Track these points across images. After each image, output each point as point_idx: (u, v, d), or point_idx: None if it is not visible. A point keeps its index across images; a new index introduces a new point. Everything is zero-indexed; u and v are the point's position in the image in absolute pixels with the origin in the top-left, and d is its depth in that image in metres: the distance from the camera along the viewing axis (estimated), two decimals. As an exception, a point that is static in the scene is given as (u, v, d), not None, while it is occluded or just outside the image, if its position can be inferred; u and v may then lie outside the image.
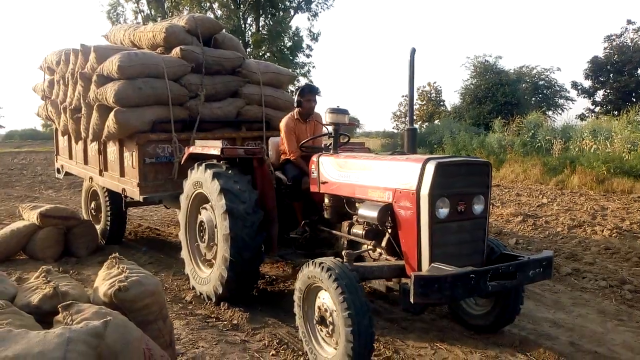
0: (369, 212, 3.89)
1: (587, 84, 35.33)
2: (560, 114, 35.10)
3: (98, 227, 7.52)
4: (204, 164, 5.06)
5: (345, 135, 5.18)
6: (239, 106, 6.81)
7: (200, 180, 5.02)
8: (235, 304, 4.77)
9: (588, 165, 14.21)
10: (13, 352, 2.05)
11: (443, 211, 3.53)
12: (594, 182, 13.13)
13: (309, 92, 5.50)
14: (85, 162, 7.60)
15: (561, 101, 36.34)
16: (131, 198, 6.51)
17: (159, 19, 36.48)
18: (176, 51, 6.38)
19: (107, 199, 7.37)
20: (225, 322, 4.49)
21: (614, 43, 34.17)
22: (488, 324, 4.22)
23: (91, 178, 7.51)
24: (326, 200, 4.62)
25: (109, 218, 7.40)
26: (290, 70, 7.77)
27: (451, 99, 57.25)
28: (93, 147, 7.22)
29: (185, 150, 5.64)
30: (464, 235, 3.68)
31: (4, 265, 6.28)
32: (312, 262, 3.60)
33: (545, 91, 36.25)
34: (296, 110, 5.55)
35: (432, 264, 3.38)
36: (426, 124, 36.51)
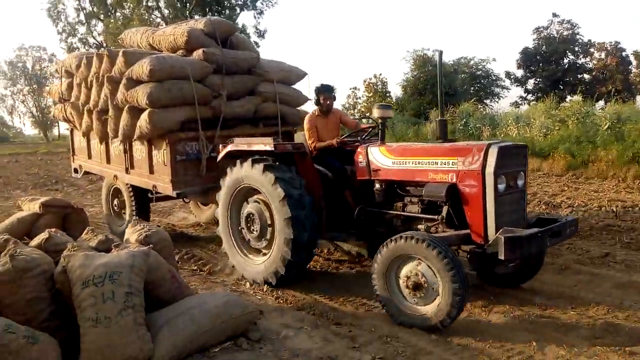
0: (435, 191, 4.50)
1: (519, 73, 37.86)
2: (497, 102, 37.69)
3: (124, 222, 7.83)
4: (250, 160, 5.33)
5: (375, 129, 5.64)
6: (256, 104, 7.14)
7: (248, 174, 5.35)
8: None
9: (507, 148, 16.19)
10: (104, 260, 3.62)
11: (502, 186, 4.27)
12: (511, 162, 15.13)
13: (325, 92, 5.92)
14: (108, 161, 7.86)
15: (497, 90, 38.73)
16: (159, 193, 7.00)
17: (102, 15, 36.16)
18: (198, 53, 6.62)
19: (131, 195, 7.59)
20: (205, 272, 6.12)
21: (542, 35, 36.85)
22: (517, 280, 5.06)
23: (116, 176, 7.75)
24: (377, 186, 5.15)
25: (134, 213, 7.52)
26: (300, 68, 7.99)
27: (395, 91, 59.16)
28: (117, 147, 7.48)
29: (221, 149, 5.94)
30: (514, 206, 4.49)
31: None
32: (398, 237, 4.16)
33: (482, 81, 38.50)
34: (317, 107, 6.00)
35: (503, 228, 4.11)
36: (373, 115, 38.05)
